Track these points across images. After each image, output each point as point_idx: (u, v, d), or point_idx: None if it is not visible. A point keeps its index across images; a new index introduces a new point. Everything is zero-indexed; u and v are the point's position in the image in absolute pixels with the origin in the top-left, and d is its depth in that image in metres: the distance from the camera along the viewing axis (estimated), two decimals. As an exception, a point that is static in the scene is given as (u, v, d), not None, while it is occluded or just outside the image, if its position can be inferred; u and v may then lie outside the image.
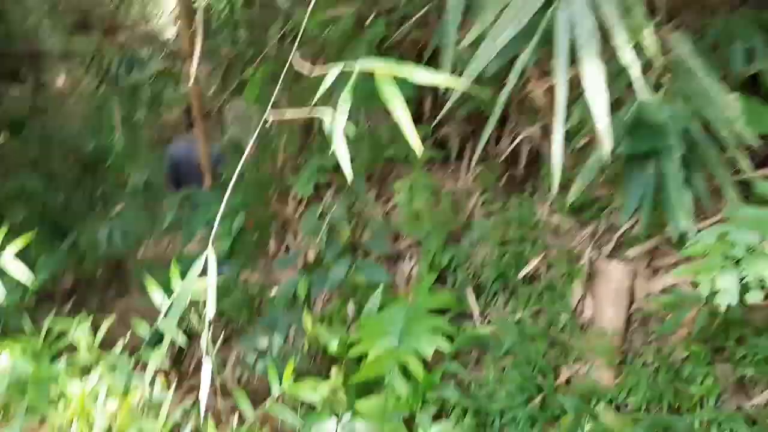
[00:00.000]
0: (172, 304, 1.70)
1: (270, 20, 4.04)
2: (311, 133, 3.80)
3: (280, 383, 2.45)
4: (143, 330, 2.53)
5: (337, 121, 1.48)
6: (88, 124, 6.97)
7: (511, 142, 3.34)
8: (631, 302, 2.91)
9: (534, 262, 3.11)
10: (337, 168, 3.72)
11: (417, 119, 3.71)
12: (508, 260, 3.16)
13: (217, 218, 1.77)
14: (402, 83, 3.13)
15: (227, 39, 5.30)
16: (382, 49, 3.52)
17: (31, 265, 4.86)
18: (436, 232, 3.34)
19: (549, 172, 3.23)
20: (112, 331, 3.66)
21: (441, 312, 3.17)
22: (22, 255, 5.12)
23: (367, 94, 2.93)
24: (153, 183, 6.06)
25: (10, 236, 6.43)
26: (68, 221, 6.53)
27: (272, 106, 1.84)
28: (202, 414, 1.69)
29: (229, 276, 3.81)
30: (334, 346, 3.19)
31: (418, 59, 3.56)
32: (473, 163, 3.58)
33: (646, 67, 2.00)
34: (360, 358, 3.15)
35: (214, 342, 4.62)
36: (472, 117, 3.56)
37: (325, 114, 1.53)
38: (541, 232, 3.18)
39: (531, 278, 3.16)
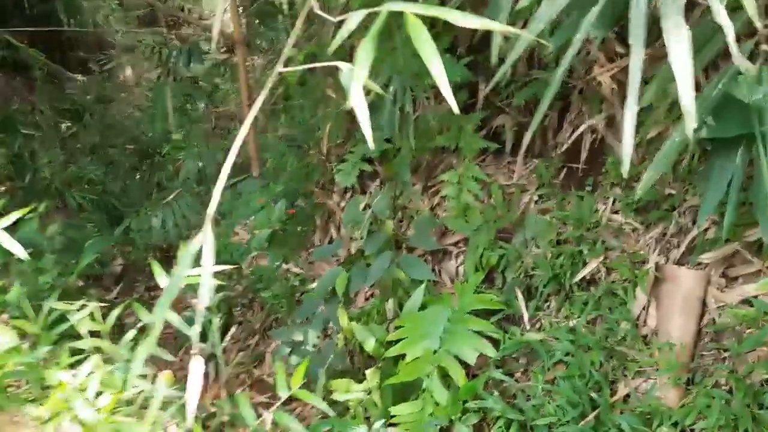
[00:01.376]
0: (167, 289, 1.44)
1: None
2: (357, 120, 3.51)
3: (289, 387, 2.17)
4: (145, 316, 2.30)
5: (355, 75, 1.19)
6: (147, 114, 6.90)
7: (572, 133, 2.99)
8: (703, 314, 2.52)
9: (592, 265, 2.75)
10: (382, 158, 3.44)
11: (470, 107, 3.41)
12: (563, 262, 2.81)
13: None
14: (452, 66, 2.80)
15: (281, 29, 5.09)
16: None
17: (80, 248, 4.80)
18: (485, 228, 3.01)
19: (613, 166, 2.87)
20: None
21: (487, 314, 2.85)
22: (71, 237, 5.05)
23: (413, 71, 2.63)
24: (207, 172, 5.92)
25: (66, 217, 6.39)
26: (124, 207, 6.48)
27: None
28: (190, 416, 1.43)
29: (269, 265, 3.58)
30: (370, 344, 2.91)
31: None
32: (527, 155, 3.25)
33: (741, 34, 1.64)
34: (398, 359, 2.87)
35: (254, 333, 4.42)
36: (530, 106, 3.23)
37: (342, 67, 1.24)
38: (602, 233, 2.82)
39: (588, 282, 2.80)
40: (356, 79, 1.22)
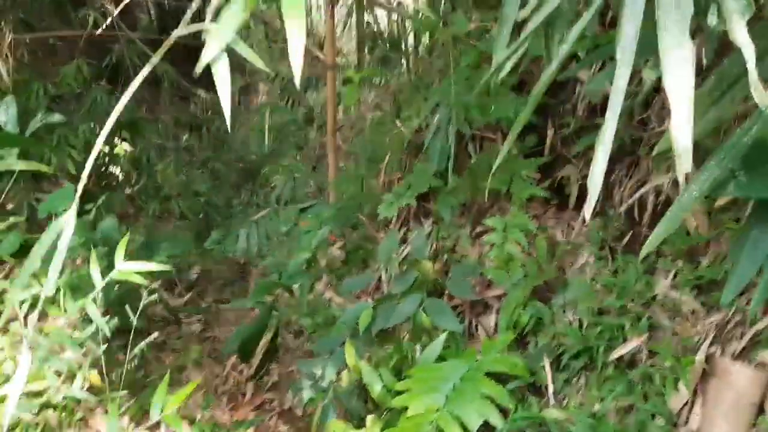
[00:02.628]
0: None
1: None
2: (419, 154, 3.31)
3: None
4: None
5: (213, 33, 1.02)
6: (255, 135, 7.09)
7: (635, 192, 2.60)
8: (755, 422, 2.04)
9: (633, 343, 2.34)
10: (426, 196, 3.20)
11: (536, 153, 3.09)
12: (601, 333, 2.41)
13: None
14: (519, 102, 2.52)
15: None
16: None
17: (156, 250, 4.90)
18: (525, 283, 2.67)
19: (676, 234, 2.45)
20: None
21: (509, 379, 2.50)
22: (150, 239, 5.18)
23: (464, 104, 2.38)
24: (297, 194, 5.93)
25: (173, 225, 6.61)
26: (223, 220, 6.65)
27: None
28: (7, 416, 1.27)
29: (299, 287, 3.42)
30: (376, 390, 2.64)
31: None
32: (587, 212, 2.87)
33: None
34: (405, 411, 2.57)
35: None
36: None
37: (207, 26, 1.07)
38: (653, 309, 2.40)
39: (627, 363, 2.38)
40: (212, 37, 1.04)
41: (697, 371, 2.15)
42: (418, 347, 2.87)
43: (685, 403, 2.18)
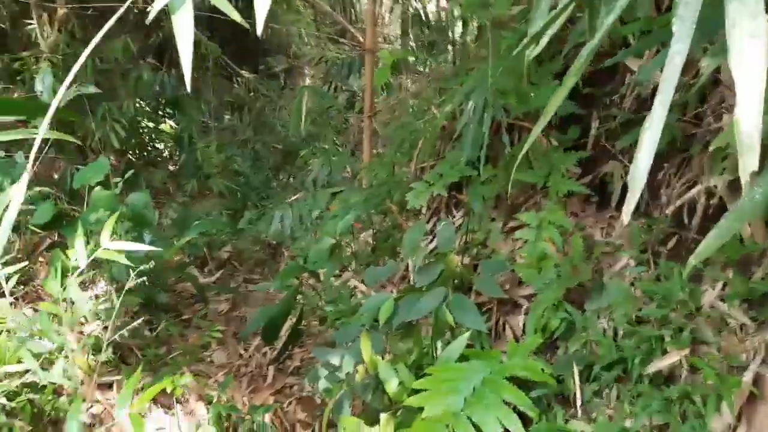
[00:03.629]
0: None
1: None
2: (453, 142, 3.10)
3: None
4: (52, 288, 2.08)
5: None
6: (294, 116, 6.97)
7: (684, 193, 2.35)
8: (807, 457, 1.80)
9: (673, 357, 2.10)
10: (460, 186, 2.99)
11: (580, 146, 2.85)
12: (638, 344, 2.18)
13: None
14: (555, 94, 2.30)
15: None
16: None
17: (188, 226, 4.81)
18: (558, 284, 2.45)
19: (730, 242, 2.20)
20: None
21: (533, 385, 2.29)
22: (182, 216, 5.10)
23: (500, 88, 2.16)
24: (333, 178, 5.79)
25: (211, 203, 6.55)
26: (261, 201, 6.56)
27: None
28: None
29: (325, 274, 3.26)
30: (392, 386, 2.47)
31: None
32: (634, 212, 2.64)
33: None
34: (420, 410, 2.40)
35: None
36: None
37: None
38: (696, 321, 2.16)
39: (665, 378, 2.15)
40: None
41: (743, 393, 1.91)
42: (439, 344, 2.69)
43: (728, 428, 1.95)
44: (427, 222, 3.14)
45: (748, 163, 0.93)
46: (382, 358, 2.73)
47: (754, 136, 0.93)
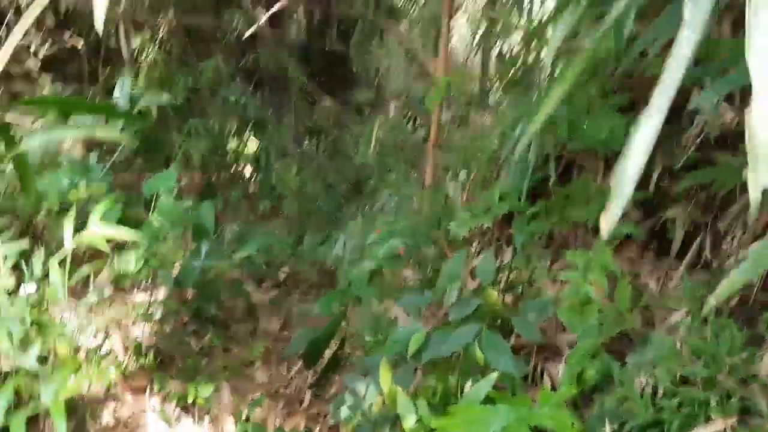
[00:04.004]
0: None
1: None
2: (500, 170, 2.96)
3: None
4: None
5: None
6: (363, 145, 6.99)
7: (749, 243, 2.11)
8: None
9: (717, 426, 1.85)
10: (511, 217, 2.83)
11: (641, 186, 2.63)
12: (679, 406, 1.94)
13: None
14: (617, 122, 2.14)
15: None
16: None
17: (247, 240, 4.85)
18: (599, 332, 2.24)
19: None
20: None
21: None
22: (243, 230, 5.15)
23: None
24: (403, 207, 5.71)
25: (279, 224, 6.63)
26: (330, 227, 6.56)
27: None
28: None
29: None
30: (409, 422, 2.32)
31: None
32: (695, 264, 2.40)
33: None
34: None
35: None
36: (714, 201, 2.40)
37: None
38: (750, 388, 1.89)
39: (707, 448, 1.89)
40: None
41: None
42: (469, 383, 2.51)
43: None
44: (477, 255, 2.99)
45: (763, 176, 0.78)
46: (411, 392, 2.59)
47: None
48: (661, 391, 2.01)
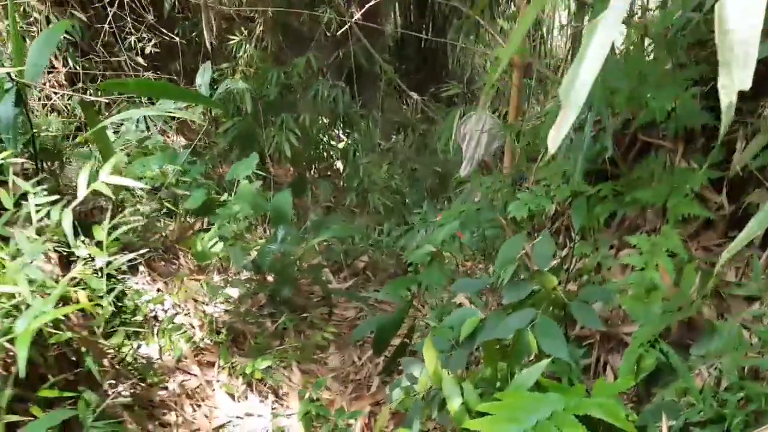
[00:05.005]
0: None
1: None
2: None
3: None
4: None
5: None
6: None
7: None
8: None
9: (788, 426, 1.63)
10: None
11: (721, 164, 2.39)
12: (745, 402, 1.74)
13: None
14: (684, 92, 1.97)
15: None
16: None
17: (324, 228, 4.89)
18: (661, 319, 2.05)
19: None
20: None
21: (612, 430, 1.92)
22: (321, 219, 5.19)
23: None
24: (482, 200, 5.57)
25: (365, 217, 6.64)
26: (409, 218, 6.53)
27: None
28: None
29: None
30: (454, 405, 2.23)
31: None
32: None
33: None
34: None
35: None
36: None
37: None
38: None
39: (775, 449, 1.68)
40: None
41: None
42: (522, 370, 2.38)
43: None
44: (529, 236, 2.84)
45: (738, 77, 0.65)
46: (460, 375, 2.49)
47: (750, 44, 0.65)
48: (724, 385, 1.81)
